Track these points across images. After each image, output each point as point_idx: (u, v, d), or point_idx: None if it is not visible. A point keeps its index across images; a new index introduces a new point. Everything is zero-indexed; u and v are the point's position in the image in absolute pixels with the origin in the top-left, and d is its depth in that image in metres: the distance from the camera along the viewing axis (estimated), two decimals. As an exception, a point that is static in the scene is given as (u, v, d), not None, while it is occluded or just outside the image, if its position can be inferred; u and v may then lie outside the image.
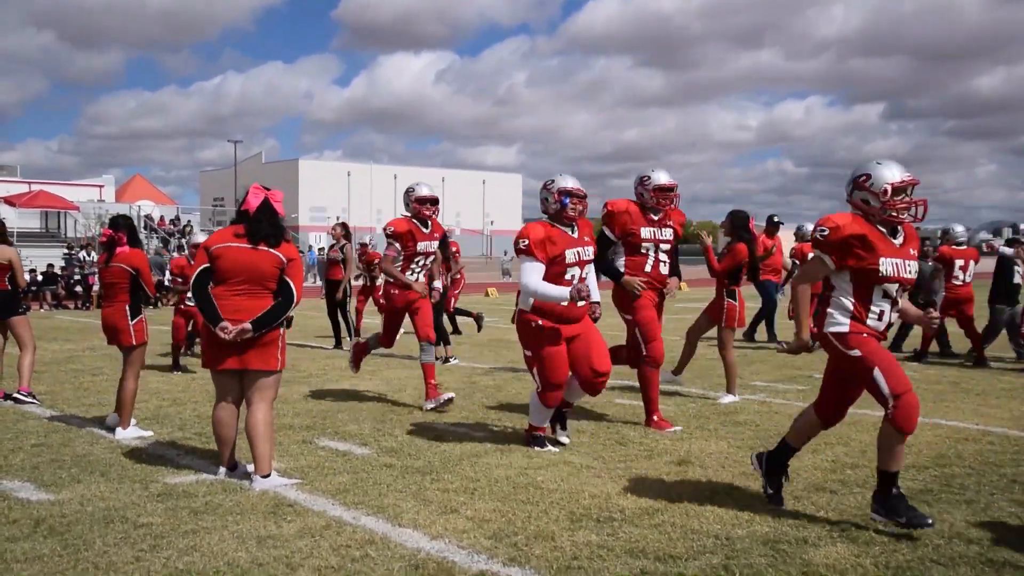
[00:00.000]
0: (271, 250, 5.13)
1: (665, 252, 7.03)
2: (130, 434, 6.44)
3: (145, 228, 35.78)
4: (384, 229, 7.65)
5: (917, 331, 11.29)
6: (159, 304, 22.28)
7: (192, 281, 5.21)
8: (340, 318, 12.50)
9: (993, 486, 5.15)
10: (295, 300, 5.16)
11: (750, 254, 7.96)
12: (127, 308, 6.55)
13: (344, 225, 12.63)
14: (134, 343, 6.54)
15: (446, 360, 10.78)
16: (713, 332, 8.21)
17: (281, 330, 5.21)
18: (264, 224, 5.17)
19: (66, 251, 28.46)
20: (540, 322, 5.80)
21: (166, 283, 12.80)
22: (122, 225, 6.70)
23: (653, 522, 4.44)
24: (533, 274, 5.67)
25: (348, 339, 12.26)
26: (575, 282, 5.78)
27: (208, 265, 5.15)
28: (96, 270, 7.14)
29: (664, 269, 7.03)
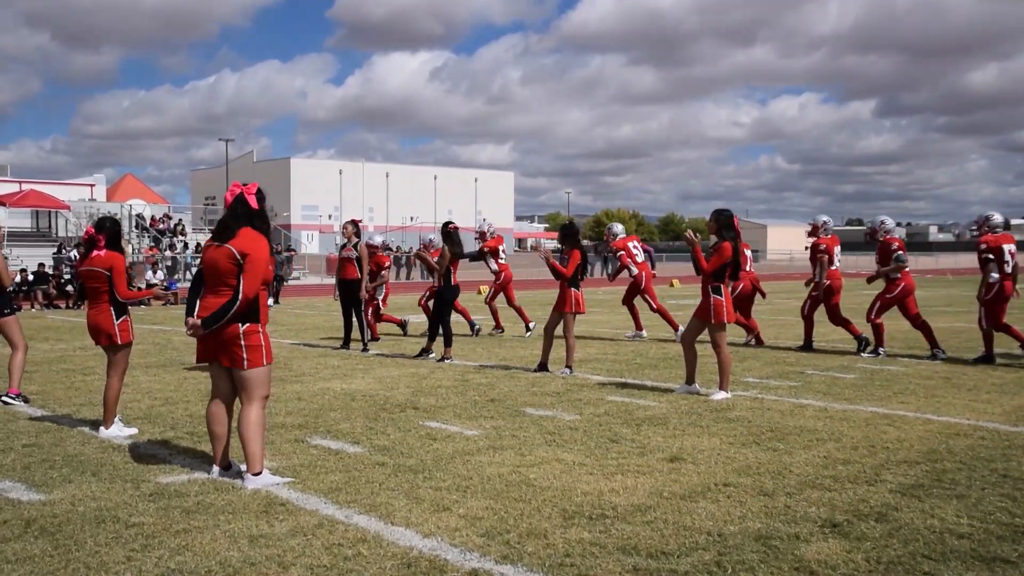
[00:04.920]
0: (224, 244, 5.10)
1: None
2: (113, 432, 6.44)
3: (136, 227, 35.67)
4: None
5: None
6: (149, 302, 22.21)
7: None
8: (355, 319, 11.96)
9: (984, 481, 5.17)
10: (239, 299, 5.00)
11: (734, 252, 8.04)
12: (111, 309, 6.57)
13: (355, 223, 12.16)
14: (119, 343, 6.57)
15: (441, 359, 10.77)
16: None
17: (241, 328, 5.03)
18: (224, 219, 5.19)
19: (56, 251, 28.37)
20: None
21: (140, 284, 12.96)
22: (104, 228, 6.71)
23: (645, 519, 4.44)
24: None
25: (361, 342, 11.88)
26: None
27: (200, 268, 5.28)
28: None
29: None
